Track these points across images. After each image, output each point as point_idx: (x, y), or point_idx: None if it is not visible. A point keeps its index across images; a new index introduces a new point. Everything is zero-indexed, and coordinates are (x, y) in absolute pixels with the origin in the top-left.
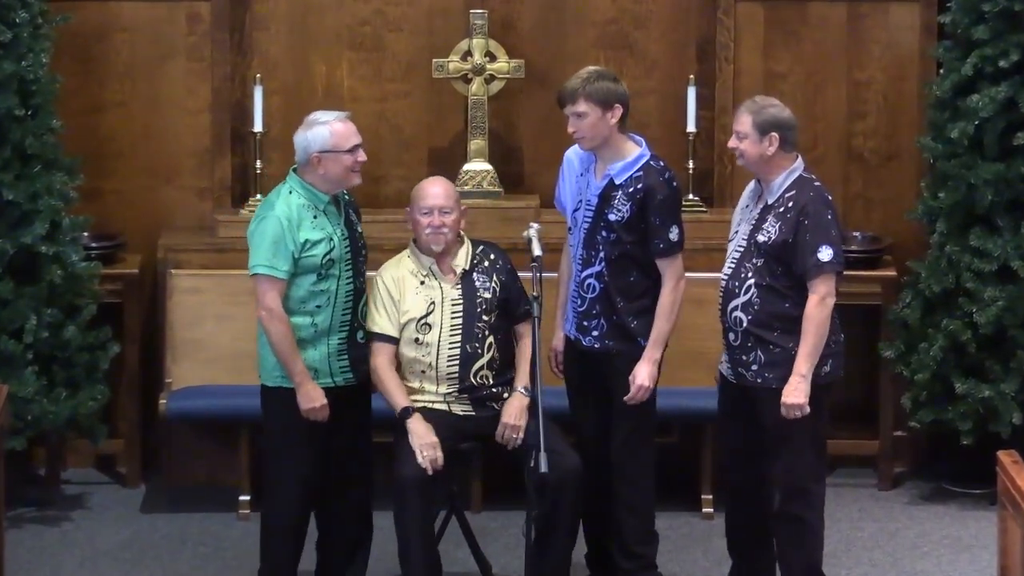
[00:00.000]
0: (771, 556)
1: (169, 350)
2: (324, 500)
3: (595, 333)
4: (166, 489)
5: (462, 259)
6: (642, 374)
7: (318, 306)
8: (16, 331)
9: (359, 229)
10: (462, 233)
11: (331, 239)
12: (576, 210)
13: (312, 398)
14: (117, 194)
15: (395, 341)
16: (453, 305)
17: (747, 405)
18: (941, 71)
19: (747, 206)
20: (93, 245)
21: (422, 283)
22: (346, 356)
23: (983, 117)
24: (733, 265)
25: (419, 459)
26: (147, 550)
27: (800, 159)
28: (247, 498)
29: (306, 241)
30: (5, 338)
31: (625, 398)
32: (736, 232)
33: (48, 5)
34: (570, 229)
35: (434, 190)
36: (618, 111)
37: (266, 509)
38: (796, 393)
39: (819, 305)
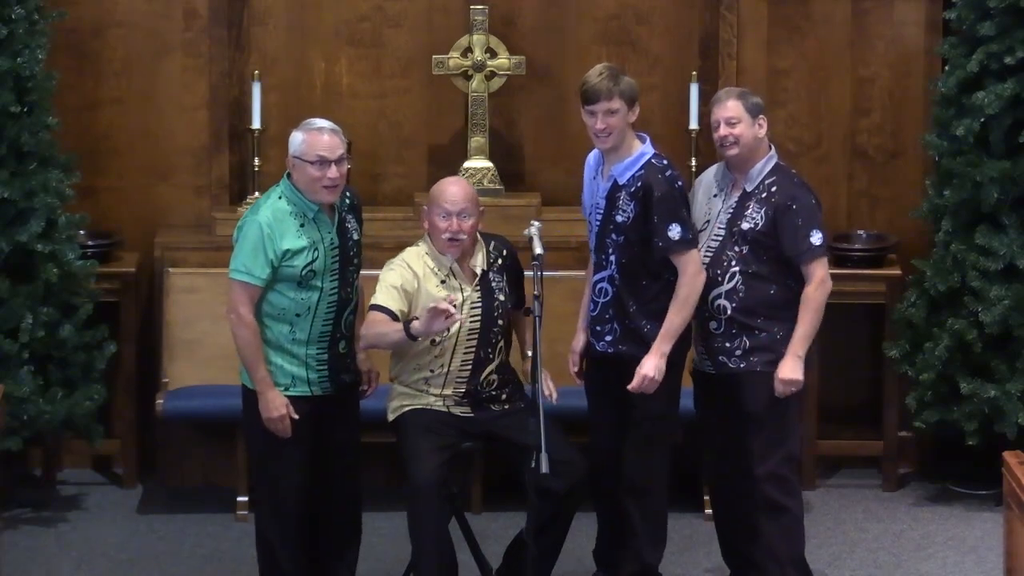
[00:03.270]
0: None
1: (166, 349)
2: (313, 503)
3: (608, 338)
4: (163, 490)
5: (480, 259)
6: (648, 365)
7: (298, 315)
8: (11, 330)
9: (355, 237)
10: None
11: (316, 249)
12: (590, 213)
13: (271, 407)
14: (113, 192)
15: (396, 318)
16: (472, 308)
17: (725, 395)
18: (946, 68)
19: (716, 195)
20: (89, 243)
21: (443, 282)
22: (325, 367)
23: (989, 114)
24: (711, 254)
25: (447, 309)
26: (144, 551)
27: (774, 148)
28: (244, 499)
29: (287, 251)
30: (0, 337)
31: (629, 386)
32: (708, 221)
33: (44, 1)
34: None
35: (454, 193)
36: (637, 109)
37: (259, 516)
38: (794, 371)
39: (818, 288)
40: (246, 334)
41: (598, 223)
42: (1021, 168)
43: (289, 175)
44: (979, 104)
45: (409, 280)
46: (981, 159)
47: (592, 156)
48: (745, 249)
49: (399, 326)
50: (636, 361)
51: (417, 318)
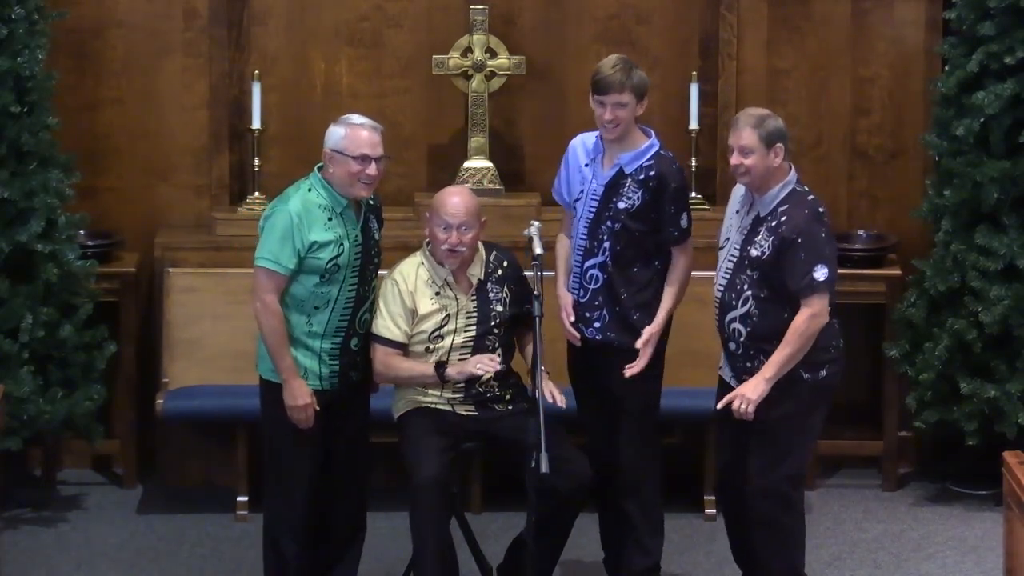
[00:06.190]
0: None
1: (166, 349)
2: (320, 500)
3: (596, 324)
4: (163, 490)
5: (477, 269)
6: (645, 333)
7: (316, 307)
8: (12, 330)
9: (376, 237)
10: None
11: (342, 243)
12: (577, 200)
13: (296, 396)
14: (114, 192)
15: (403, 348)
16: (467, 318)
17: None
18: (946, 68)
19: (738, 211)
20: (89, 243)
21: (437, 293)
22: (337, 362)
23: (989, 114)
24: (727, 276)
25: (485, 366)
26: (144, 551)
27: (793, 171)
28: (244, 499)
29: (314, 243)
30: (1, 337)
31: (627, 370)
32: (727, 240)
33: (44, 1)
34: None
35: (455, 204)
36: (645, 103)
37: (267, 509)
38: (753, 391)
39: (808, 320)
40: (273, 322)
41: (592, 210)
42: (1021, 168)
43: (321, 168)
44: (979, 104)
45: (403, 304)
46: (981, 159)
47: (580, 143)
48: (756, 275)
49: (429, 371)
50: (624, 349)
51: (446, 363)
